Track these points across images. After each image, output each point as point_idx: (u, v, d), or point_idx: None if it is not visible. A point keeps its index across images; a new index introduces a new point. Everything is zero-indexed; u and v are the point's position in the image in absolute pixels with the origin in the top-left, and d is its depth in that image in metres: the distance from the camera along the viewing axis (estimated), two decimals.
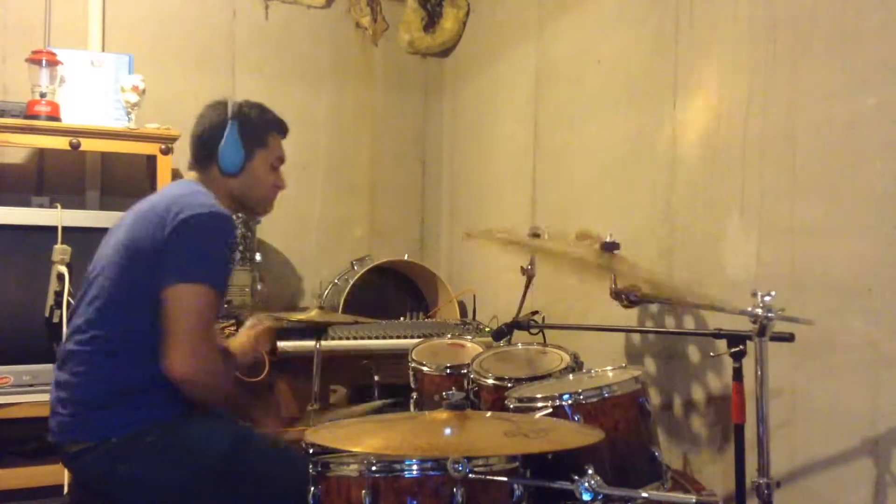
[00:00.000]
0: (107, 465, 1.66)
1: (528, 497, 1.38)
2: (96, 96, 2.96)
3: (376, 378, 2.75)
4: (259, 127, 1.94)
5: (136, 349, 1.70)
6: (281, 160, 2.01)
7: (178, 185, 1.91)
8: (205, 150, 1.90)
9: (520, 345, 2.26)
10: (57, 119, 2.83)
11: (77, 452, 1.68)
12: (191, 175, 1.96)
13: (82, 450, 1.67)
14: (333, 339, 2.82)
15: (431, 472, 1.34)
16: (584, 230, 2.34)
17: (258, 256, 3.15)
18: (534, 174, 3.11)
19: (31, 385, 2.58)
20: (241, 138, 1.89)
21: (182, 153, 2.72)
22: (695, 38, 2.26)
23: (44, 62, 2.82)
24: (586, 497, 1.23)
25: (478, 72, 3.66)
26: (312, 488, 1.42)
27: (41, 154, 3.16)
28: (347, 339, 2.87)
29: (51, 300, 2.57)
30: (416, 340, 2.55)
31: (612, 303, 1.92)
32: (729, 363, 1.64)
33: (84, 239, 2.64)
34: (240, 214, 3.03)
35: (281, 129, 2.01)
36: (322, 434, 1.37)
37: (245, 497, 1.72)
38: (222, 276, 1.75)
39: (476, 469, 1.28)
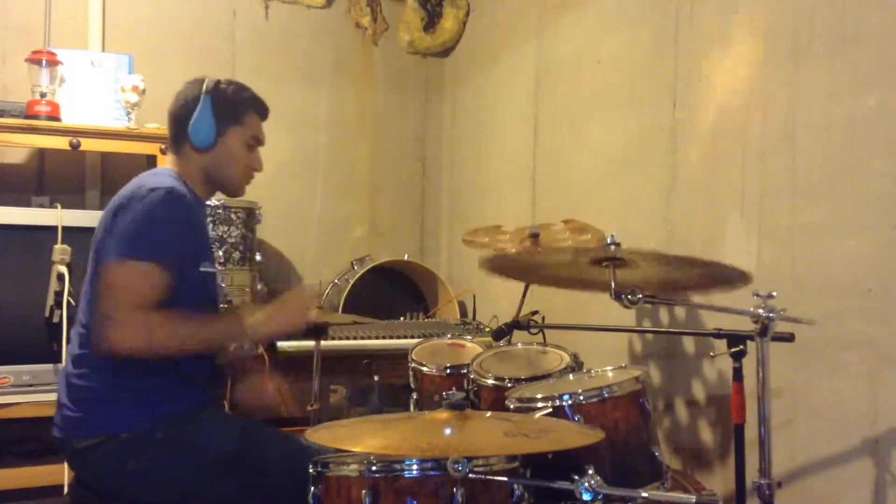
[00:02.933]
0: (115, 461, 1.67)
1: (528, 497, 1.38)
2: (96, 96, 2.96)
3: (376, 378, 2.75)
4: (234, 103, 1.90)
5: None
6: (257, 140, 1.95)
7: (145, 172, 1.88)
8: (179, 127, 1.88)
9: (520, 345, 2.26)
10: (57, 119, 2.83)
11: (84, 448, 1.69)
12: (168, 158, 1.93)
13: (90, 445, 1.69)
14: (333, 339, 2.82)
15: (431, 472, 1.34)
16: (571, 219, 2.34)
17: (258, 256, 3.14)
18: (534, 174, 3.11)
19: (31, 385, 2.58)
20: (213, 113, 1.85)
21: None
22: (695, 37, 2.26)
23: (44, 62, 2.82)
24: (586, 497, 1.23)
25: (478, 72, 3.65)
26: (312, 488, 1.42)
27: (41, 154, 3.16)
28: (347, 339, 2.87)
29: (51, 300, 2.57)
30: (416, 340, 2.55)
31: (612, 303, 1.91)
32: (729, 363, 1.64)
33: (84, 239, 2.62)
34: (238, 212, 3.06)
35: (259, 108, 1.96)
36: (322, 434, 1.37)
37: (249, 492, 1.73)
38: (161, 251, 1.67)
39: (476, 469, 1.28)
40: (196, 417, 1.76)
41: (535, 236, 2.39)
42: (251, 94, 1.95)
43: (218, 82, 1.89)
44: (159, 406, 1.72)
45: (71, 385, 1.73)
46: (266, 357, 2.70)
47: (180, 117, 1.88)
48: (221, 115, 1.87)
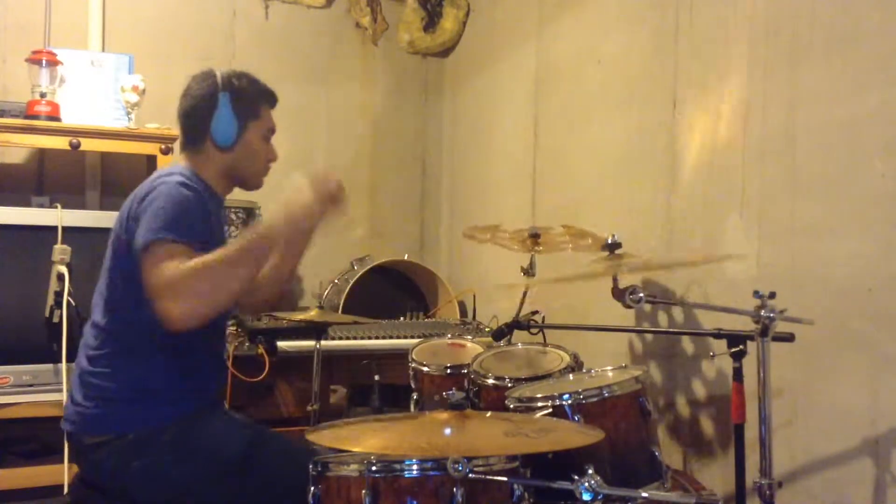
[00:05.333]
0: (122, 460, 1.68)
1: (528, 497, 1.38)
2: (96, 96, 2.96)
3: (376, 378, 2.75)
4: (251, 98, 1.88)
5: (151, 346, 1.72)
6: (272, 131, 1.94)
7: (156, 174, 1.81)
8: (196, 124, 1.84)
9: (520, 345, 2.26)
10: (57, 119, 2.83)
11: (92, 445, 1.70)
12: (182, 156, 1.89)
13: (98, 443, 1.69)
14: (333, 339, 2.82)
15: (431, 472, 1.34)
16: (570, 224, 2.34)
17: None
18: (534, 174, 3.11)
19: (31, 385, 2.58)
20: (234, 110, 1.83)
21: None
22: (695, 38, 2.26)
23: (44, 62, 2.82)
24: (586, 497, 1.23)
25: (478, 72, 3.65)
26: (312, 488, 1.42)
27: (41, 154, 3.16)
28: (347, 339, 2.87)
29: (51, 300, 2.57)
30: (416, 340, 2.55)
31: (613, 303, 1.91)
32: (729, 363, 1.65)
33: (84, 239, 2.64)
34: (238, 212, 3.06)
35: (271, 99, 1.94)
36: (322, 434, 1.37)
37: (253, 497, 1.73)
38: (182, 227, 1.60)
39: (476, 469, 1.28)
40: (204, 420, 1.77)
41: (535, 236, 2.39)
42: (262, 85, 1.92)
43: (230, 77, 1.86)
44: (169, 406, 1.72)
45: (86, 383, 1.73)
46: (268, 362, 2.70)
47: (197, 115, 1.84)
48: (240, 111, 1.84)
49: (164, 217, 1.61)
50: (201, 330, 1.73)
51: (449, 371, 2.18)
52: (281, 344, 2.74)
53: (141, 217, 1.64)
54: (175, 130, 2.85)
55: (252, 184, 1.94)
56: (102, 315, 1.75)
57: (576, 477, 1.23)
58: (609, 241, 1.92)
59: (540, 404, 1.60)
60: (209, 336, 1.82)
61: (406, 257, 3.51)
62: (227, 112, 1.82)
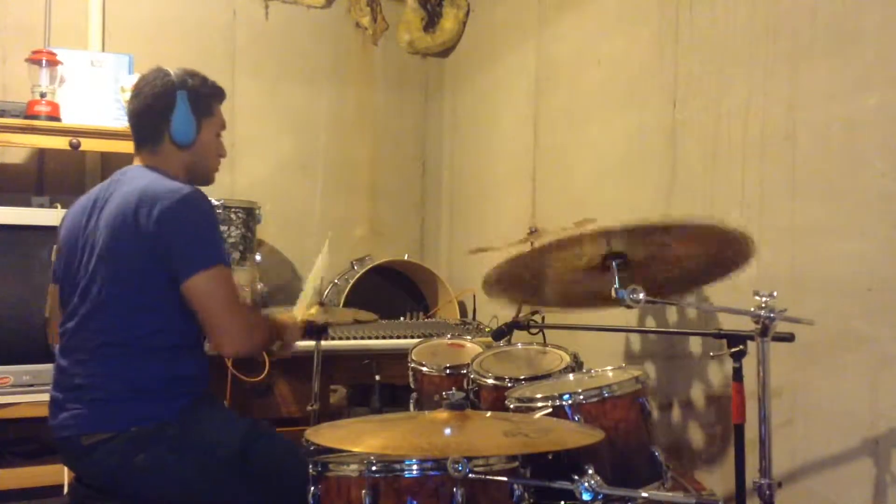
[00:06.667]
0: (124, 456, 1.68)
1: (528, 497, 1.38)
2: (96, 96, 2.96)
3: (376, 378, 2.75)
4: (206, 96, 1.93)
5: (148, 347, 1.73)
6: (223, 128, 2.00)
7: (137, 177, 1.83)
8: (156, 123, 1.87)
9: (520, 345, 2.26)
10: (57, 119, 2.83)
11: (91, 445, 1.69)
12: (140, 156, 1.91)
13: (98, 441, 1.69)
14: (333, 338, 2.82)
15: (431, 472, 1.34)
16: (586, 220, 2.34)
17: (258, 256, 3.14)
18: (534, 174, 3.11)
19: (31, 385, 2.58)
20: (191, 109, 1.88)
21: None
22: (695, 38, 2.26)
23: (44, 62, 2.82)
24: (586, 497, 1.23)
25: (478, 72, 3.65)
26: (312, 488, 1.42)
27: (41, 154, 3.16)
28: (347, 338, 2.87)
29: None
30: (415, 340, 2.55)
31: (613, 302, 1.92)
32: (729, 363, 1.64)
33: None
34: (238, 212, 3.06)
35: (222, 97, 2.01)
36: (322, 434, 1.37)
37: (253, 488, 1.74)
38: (223, 250, 1.80)
39: (476, 469, 1.28)
40: (202, 414, 1.78)
41: (533, 232, 2.40)
42: (212, 83, 1.98)
43: (185, 75, 1.90)
44: (168, 403, 1.73)
45: (75, 386, 1.73)
46: (267, 362, 2.70)
47: (156, 114, 1.87)
48: (197, 109, 1.90)
49: (213, 241, 1.77)
50: (196, 326, 1.75)
51: (449, 371, 2.18)
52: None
53: (169, 238, 1.69)
54: None
55: (206, 180, 1.99)
56: (95, 316, 1.74)
57: (576, 477, 1.24)
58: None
59: (540, 404, 1.60)
60: (200, 332, 1.83)
61: (406, 257, 3.50)
62: (185, 111, 1.87)
